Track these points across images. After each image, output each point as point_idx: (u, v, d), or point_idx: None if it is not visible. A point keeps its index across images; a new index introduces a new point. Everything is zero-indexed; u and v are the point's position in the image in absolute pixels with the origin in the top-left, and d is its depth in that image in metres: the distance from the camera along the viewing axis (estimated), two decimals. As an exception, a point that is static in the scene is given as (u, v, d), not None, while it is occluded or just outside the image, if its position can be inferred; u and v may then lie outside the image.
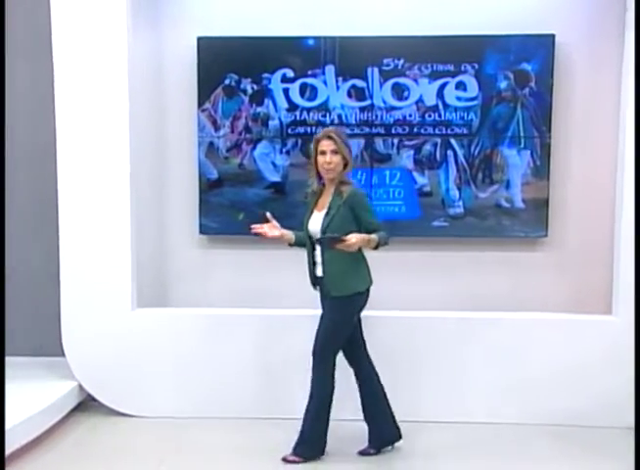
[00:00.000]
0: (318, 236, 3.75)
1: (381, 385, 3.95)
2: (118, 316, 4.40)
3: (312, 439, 3.82)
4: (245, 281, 4.83)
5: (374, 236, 3.68)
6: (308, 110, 4.68)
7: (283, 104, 4.68)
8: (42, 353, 4.79)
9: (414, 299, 4.68)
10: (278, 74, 4.66)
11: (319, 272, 3.82)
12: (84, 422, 4.36)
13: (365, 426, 3.97)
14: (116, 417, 4.41)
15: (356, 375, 3.95)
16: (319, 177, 3.83)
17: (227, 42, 4.62)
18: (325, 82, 4.65)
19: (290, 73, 4.66)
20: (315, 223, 3.81)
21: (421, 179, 4.70)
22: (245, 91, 4.67)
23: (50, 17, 4.28)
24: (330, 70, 4.64)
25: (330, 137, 3.76)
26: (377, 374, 3.95)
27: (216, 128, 4.71)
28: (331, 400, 3.81)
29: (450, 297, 4.71)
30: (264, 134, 4.71)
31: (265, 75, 4.66)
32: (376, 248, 3.72)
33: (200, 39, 4.62)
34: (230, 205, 4.75)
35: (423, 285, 4.75)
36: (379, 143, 4.69)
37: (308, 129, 4.69)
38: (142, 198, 4.57)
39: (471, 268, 4.75)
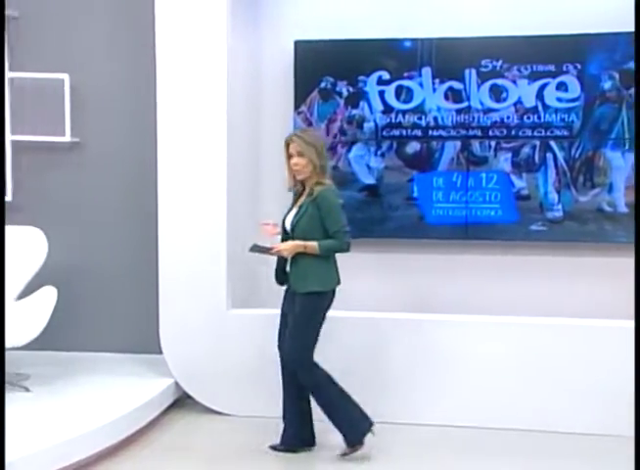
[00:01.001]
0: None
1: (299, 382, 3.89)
2: (214, 316, 4.46)
3: (354, 421, 3.80)
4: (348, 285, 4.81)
5: (312, 243, 3.71)
6: (404, 112, 4.65)
7: (378, 106, 4.66)
8: (142, 351, 4.90)
9: (510, 302, 4.57)
10: (374, 77, 4.64)
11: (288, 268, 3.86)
12: (180, 419, 4.42)
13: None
14: (211, 415, 4.46)
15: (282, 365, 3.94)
16: (295, 179, 3.83)
17: (324, 45, 4.63)
18: (421, 84, 4.61)
19: (386, 76, 4.63)
20: (289, 219, 3.85)
21: (519, 182, 4.60)
22: (340, 94, 4.68)
23: (154, 19, 4.38)
24: (426, 71, 4.59)
25: (293, 140, 3.78)
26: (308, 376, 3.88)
27: (312, 131, 4.72)
28: (333, 385, 3.81)
29: (547, 301, 4.57)
30: (359, 137, 4.70)
31: (361, 78, 4.65)
32: (330, 253, 3.75)
33: (297, 43, 4.65)
34: (325, 207, 4.74)
35: (519, 288, 4.64)
36: (475, 146, 4.61)
37: (404, 132, 4.66)
38: (238, 200, 4.62)
39: (569, 274, 4.61)
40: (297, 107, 4.71)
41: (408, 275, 4.79)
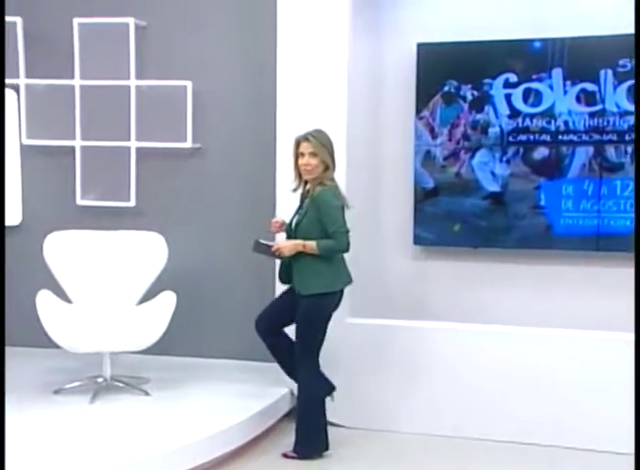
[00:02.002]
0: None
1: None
2: (333, 324, 4.36)
3: (313, 440, 3.92)
4: (459, 294, 4.68)
5: (311, 243, 3.74)
6: (532, 116, 4.44)
7: (504, 110, 4.47)
8: (259, 358, 4.89)
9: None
10: (500, 80, 4.45)
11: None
12: (293, 430, 4.34)
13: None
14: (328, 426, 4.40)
15: (270, 344, 4.07)
16: (301, 179, 3.86)
17: (447, 48, 4.48)
18: (551, 87, 4.38)
19: (513, 78, 4.43)
20: (292, 222, 3.90)
21: (657, 190, 4.29)
22: (464, 98, 4.51)
23: (275, 24, 4.38)
24: (557, 73, 4.36)
25: (308, 139, 3.78)
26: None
27: (434, 136, 4.59)
28: (322, 400, 3.95)
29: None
30: (483, 142, 4.52)
31: (486, 81, 4.47)
32: (330, 253, 3.77)
33: (420, 45, 4.53)
34: (446, 215, 4.61)
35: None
36: (610, 151, 4.34)
37: (531, 137, 4.44)
38: (356, 205, 4.52)
39: None
40: (418, 111, 4.58)
41: (534, 288, 4.57)
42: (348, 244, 3.78)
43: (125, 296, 4.57)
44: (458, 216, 4.59)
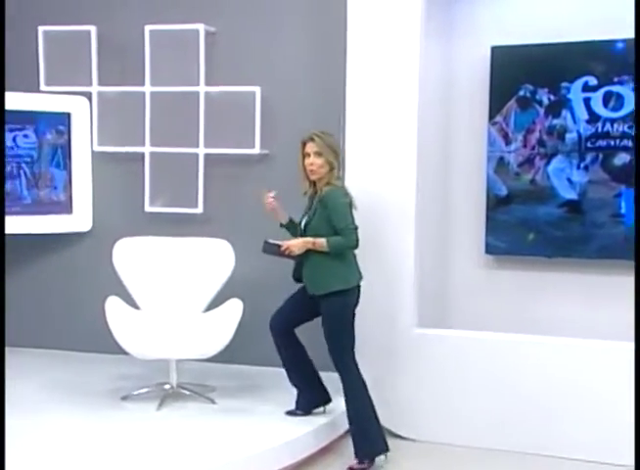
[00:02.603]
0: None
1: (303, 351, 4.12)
2: (399, 335, 4.32)
3: (371, 437, 3.86)
4: (532, 306, 4.54)
5: (320, 240, 3.78)
6: (612, 121, 4.27)
7: (583, 115, 4.32)
8: (325, 368, 4.81)
9: None
10: (579, 83, 4.30)
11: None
12: (362, 441, 4.33)
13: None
14: (392, 438, 4.28)
15: (283, 343, 4.11)
16: (309, 179, 3.89)
17: (523, 50, 4.35)
18: (633, 90, 4.21)
19: (592, 81, 4.28)
20: (302, 223, 3.93)
21: None
22: (540, 102, 4.38)
23: (345, 29, 4.33)
24: (640, 75, 4.20)
25: (313, 139, 3.83)
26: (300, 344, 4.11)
27: (507, 142, 4.46)
28: (368, 395, 3.92)
29: None
30: (560, 148, 4.38)
31: (564, 85, 4.33)
32: (339, 250, 3.80)
33: (494, 48, 4.41)
34: (519, 223, 4.48)
35: None
36: (696, 157, 4.15)
37: (611, 142, 4.28)
38: (426, 212, 4.46)
39: None
40: (491, 117, 4.47)
41: (613, 300, 4.40)
42: (357, 240, 3.82)
43: (192, 303, 4.58)
44: (532, 225, 4.45)
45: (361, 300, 4.28)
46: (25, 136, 5.15)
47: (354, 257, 3.93)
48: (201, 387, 4.49)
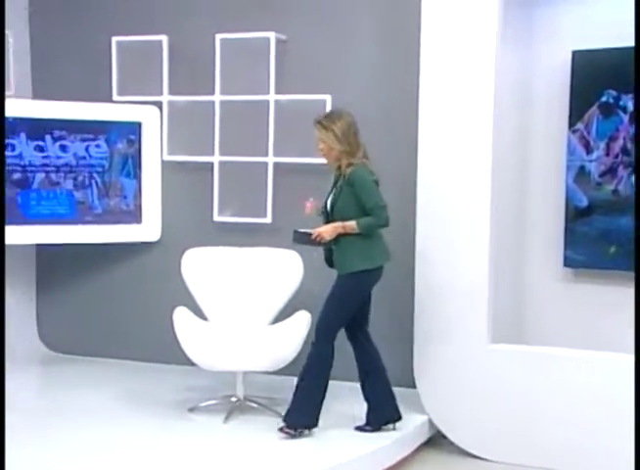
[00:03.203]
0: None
1: (380, 363, 4.05)
2: (472, 351, 4.21)
3: (306, 409, 3.90)
4: (611, 321, 4.37)
5: (350, 223, 3.80)
6: (701, 128, 4.10)
7: (671, 122, 4.16)
8: (394, 383, 4.71)
9: None
10: (665, 88, 4.15)
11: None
12: (432, 459, 4.24)
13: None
14: (465, 458, 4.23)
15: (354, 350, 4.07)
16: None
17: (606, 55, 4.22)
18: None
19: (679, 86, 4.12)
20: (328, 204, 3.92)
21: None
22: (624, 109, 4.23)
23: (419, 36, 4.28)
24: None
25: (315, 126, 3.90)
26: (377, 352, 4.07)
27: (588, 151, 4.33)
28: (328, 375, 3.93)
29: None
30: (645, 157, 4.23)
31: (649, 90, 4.18)
32: (370, 230, 3.83)
33: (575, 53, 4.29)
34: (600, 236, 4.33)
35: None
36: None
37: (699, 151, 4.11)
38: (501, 223, 4.35)
39: None
40: (571, 124, 4.34)
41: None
42: (388, 218, 3.84)
43: (260, 314, 4.56)
44: (614, 237, 4.30)
45: (432, 313, 4.29)
46: (97, 146, 5.25)
47: (381, 236, 3.95)
48: (268, 400, 4.46)
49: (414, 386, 4.37)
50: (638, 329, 3.65)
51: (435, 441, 4.38)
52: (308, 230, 3.88)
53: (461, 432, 4.27)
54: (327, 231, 3.84)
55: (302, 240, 3.89)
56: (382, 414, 4.09)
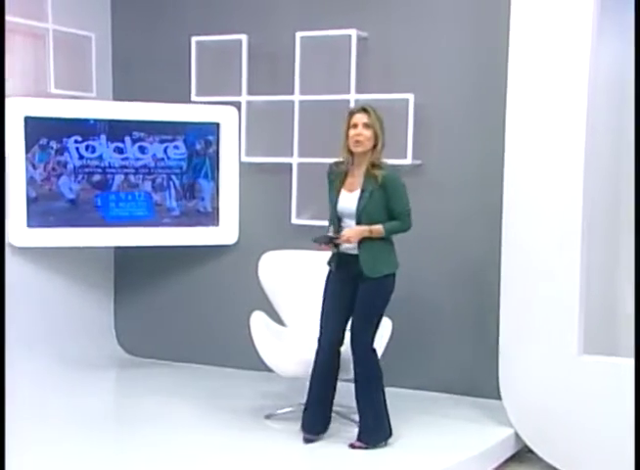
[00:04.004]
0: (349, 216, 3.89)
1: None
2: (562, 362, 4.10)
3: (382, 423, 3.92)
4: None
5: (377, 227, 3.84)
6: None
7: None
8: (477, 394, 4.71)
9: None
10: None
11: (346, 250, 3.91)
12: (519, 475, 4.17)
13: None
14: (556, 475, 4.14)
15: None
16: (350, 154, 3.87)
17: None
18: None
19: None
20: (347, 203, 3.89)
21: None
22: None
23: (507, 34, 4.21)
24: None
25: (364, 110, 3.86)
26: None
27: (688, 151, 4.17)
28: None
29: None
30: None
31: None
32: (393, 234, 3.92)
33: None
34: (702, 241, 4.17)
35: None
36: None
37: None
38: (594, 227, 4.22)
39: None
40: (670, 123, 4.19)
41: None
42: (410, 224, 3.94)
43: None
44: None
45: (519, 321, 4.22)
46: (176, 147, 5.34)
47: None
48: (346, 408, 4.40)
49: (499, 397, 4.30)
50: (638, 329, 3.65)
51: (522, 456, 4.30)
52: (331, 234, 3.91)
53: (549, 447, 4.17)
54: (354, 235, 3.85)
55: (323, 240, 3.91)
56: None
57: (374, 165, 3.87)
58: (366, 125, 3.85)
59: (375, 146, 3.87)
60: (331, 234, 3.92)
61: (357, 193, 3.89)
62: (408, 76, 4.86)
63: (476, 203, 4.78)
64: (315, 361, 3.99)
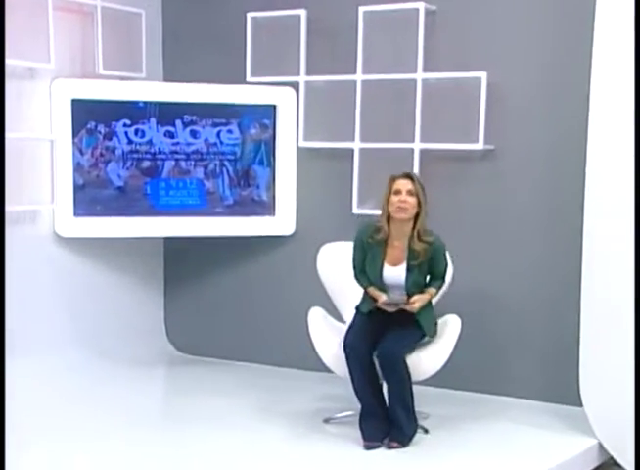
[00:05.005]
0: (396, 287, 4.04)
1: None
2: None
3: (414, 423, 4.02)
4: None
5: (432, 291, 4.09)
6: None
7: None
8: (556, 400, 4.56)
9: None
10: None
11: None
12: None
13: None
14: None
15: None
16: (388, 222, 4.02)
17: None
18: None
19: None
20: (393, 277, 4.04)
21: None
22: None
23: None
24: None
25: (409, 177, 4.02)
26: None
27: None
28: None
29: None
30: None
31: None
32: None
33: None
34: None
35: None
36: None
37: None
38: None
39: None
40: None
41: None
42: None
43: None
44: None
45: (605, 325, 4.05)
46: (229, 131, 5.26)
47: None
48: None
49: (580, 404, 4.15)
50: (638, 329, 3.72)
51: (606, 468, 4.16)
52: (400, 301, 4.00)
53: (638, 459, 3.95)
54: (419, 305, 4.00)
55: (395, 305, 4.01)
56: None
57: (419, 236, 4.01)
58: (410, 192, 3.98)
59: (417, 214, 4.01)
60: (399, 300, 4.01)
61: (403, 267, 4.05)
62: (480, 53, 4.71)
63: (554, 193, 4.61)
64: (350, 371, 4.02)
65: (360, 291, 4.20)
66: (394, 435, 3.95)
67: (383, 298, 4.00)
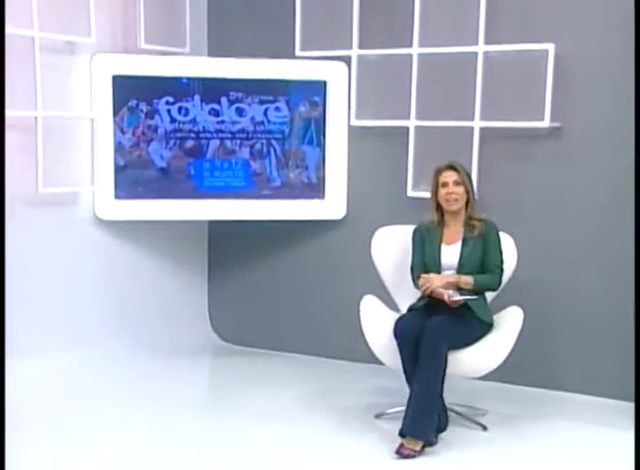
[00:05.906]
0: (450, 268, 4.10)
1: None
2: None
3: (431, 422, 3.87)
4: None
5: (466, 278, 4.06)
6: None
7: None
8: (621, 397, 4.46)
9: None
10: None
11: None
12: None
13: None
14: None
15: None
16: (440, 211, 4.18)
17: None
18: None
19: None
20: (449, 256, 4.12)
21: None
22: None
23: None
24: None
25: (453, 168, 4.13)
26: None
27: None
28: None
29: None
30: None
31: None
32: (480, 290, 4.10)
33: None
34: None
35: None
36: None
37: None
38: None
39: None
40: None
41: None
42: (501, 283, 4.14)
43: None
44: None
45: None
46: (277, 109, 5.18)
47: None
48: (470, 409, 4.29)
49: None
50: (638, 328, 3.78)
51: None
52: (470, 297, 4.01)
53: None
54: (437, 284, 4.00)
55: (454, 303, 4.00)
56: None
57: (472, 218, 4.15)
58: (456, 183, 4.13)
59: (467, 202, 4.15)
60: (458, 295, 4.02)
61: (458, 245, 4.13)
62: (547, 23, 4.58)
63: (627, 174, 4.42)
64: (402, 360, 3.96)
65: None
66: (404, 425, 3.81)
67: (449, 293, 3.99)
